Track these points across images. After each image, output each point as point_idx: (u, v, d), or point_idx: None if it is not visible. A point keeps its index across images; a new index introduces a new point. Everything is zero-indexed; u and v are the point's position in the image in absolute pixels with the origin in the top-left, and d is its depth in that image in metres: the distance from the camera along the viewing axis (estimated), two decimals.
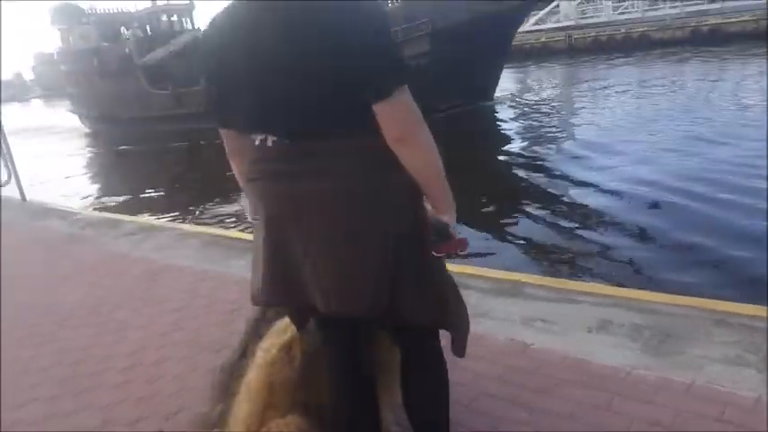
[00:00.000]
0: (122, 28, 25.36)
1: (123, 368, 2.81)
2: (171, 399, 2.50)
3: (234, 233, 5.31)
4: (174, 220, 8.15)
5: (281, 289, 1.52)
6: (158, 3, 25.50)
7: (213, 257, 4.30)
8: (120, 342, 3.10)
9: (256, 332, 1.99)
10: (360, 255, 1.42)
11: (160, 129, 20.17)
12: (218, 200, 9.55)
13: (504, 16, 15.15)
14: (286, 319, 1.86)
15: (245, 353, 1.99)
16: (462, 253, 1.50)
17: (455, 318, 1.57)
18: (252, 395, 1.82)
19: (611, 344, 2.50)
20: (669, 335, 2.52)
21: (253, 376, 1.84)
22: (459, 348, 1.60)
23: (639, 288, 3.26)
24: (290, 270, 1.48)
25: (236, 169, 1.62)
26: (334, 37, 1.30)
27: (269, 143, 1.43)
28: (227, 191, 9.08)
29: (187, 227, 6.02)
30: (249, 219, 1.76)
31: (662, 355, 2.39)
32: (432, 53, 14.52)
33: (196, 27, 24.93)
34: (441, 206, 1.49)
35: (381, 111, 1.33)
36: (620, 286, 3.59)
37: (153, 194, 11.31)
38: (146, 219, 7.09)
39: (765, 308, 2.53)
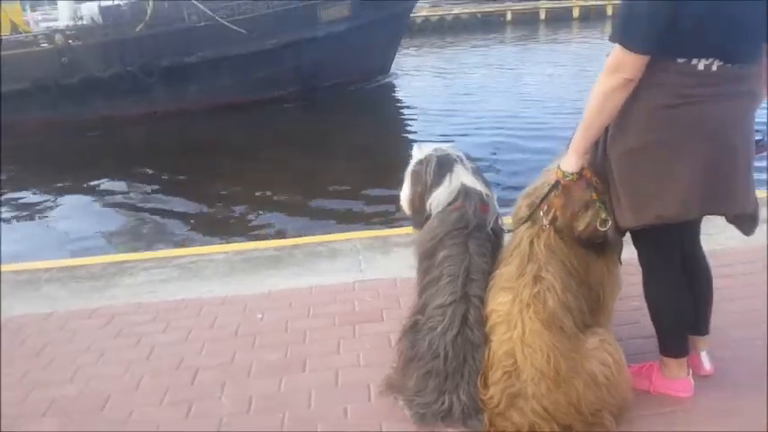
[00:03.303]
0: None
1: None
2: None
3: None
4: None
5: (713, 197, 1.81)
6: None
7: None
8: None
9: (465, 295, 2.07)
10: (747, 159, 1.85)
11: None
12: None
13: None
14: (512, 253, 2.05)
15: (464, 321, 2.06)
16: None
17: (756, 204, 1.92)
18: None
19: None
20: None
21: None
22: (752, 228, 1.94)
23: None
24: (722, 180, 1.80)
25: (620, 96, 1.77)
26: None
27: (713, 68, 1.71)
28: None
29: None
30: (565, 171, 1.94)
31: None
32: None
33: None
34: None
35: None
36: None
37: None
38: None
39: None
